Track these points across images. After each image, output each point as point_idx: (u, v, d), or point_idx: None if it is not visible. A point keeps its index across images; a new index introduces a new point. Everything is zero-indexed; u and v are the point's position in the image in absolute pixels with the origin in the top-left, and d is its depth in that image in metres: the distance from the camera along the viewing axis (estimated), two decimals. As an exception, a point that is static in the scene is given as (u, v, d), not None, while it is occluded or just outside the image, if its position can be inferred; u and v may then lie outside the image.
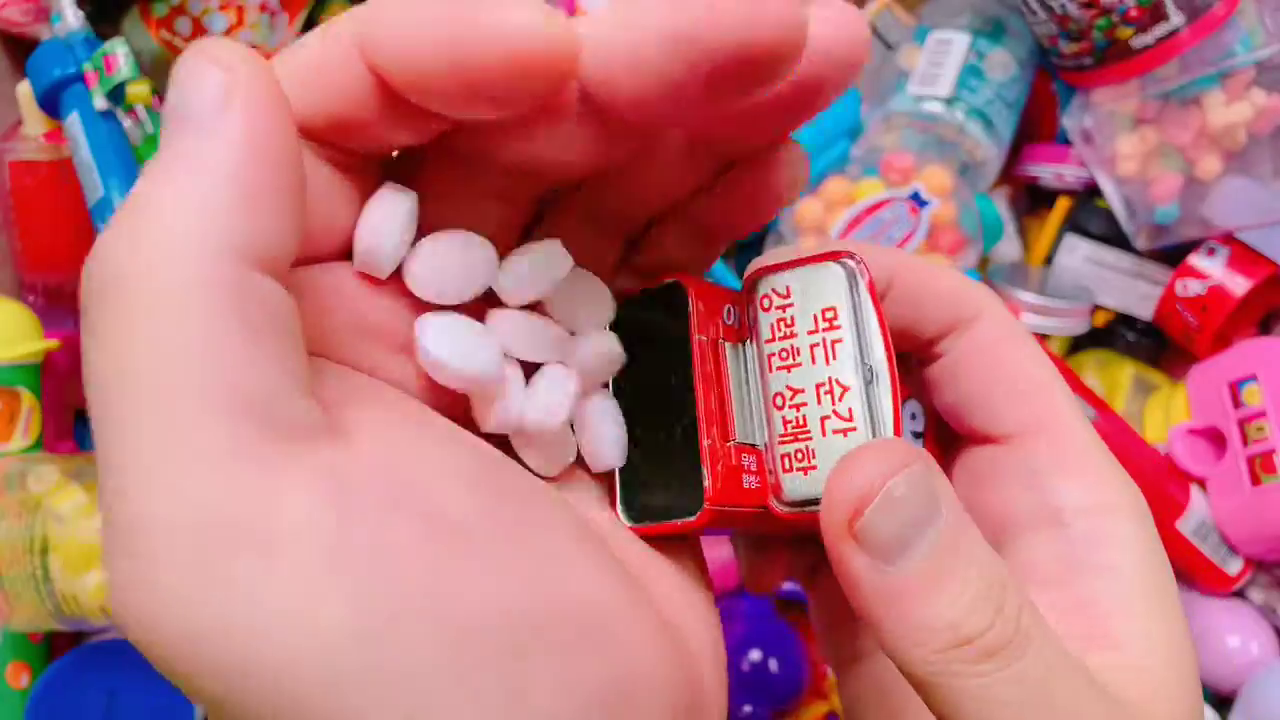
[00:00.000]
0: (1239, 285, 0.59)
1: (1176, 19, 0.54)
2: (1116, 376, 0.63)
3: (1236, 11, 0.55)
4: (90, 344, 0.14)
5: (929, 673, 0.16)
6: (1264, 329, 0.64)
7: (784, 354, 0.18)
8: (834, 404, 0.18)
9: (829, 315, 0.18)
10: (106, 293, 0.14)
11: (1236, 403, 0.57)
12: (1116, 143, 0.59)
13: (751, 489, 0.18)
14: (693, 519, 0.17)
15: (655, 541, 0.18)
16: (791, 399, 0.18)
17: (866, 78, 0.65)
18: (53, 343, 0.54)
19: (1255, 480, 0.55)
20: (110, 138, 0.53)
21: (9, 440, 0.52)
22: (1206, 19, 0.54)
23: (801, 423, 0.18)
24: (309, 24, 0.62)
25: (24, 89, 0.56)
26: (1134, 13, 0.54)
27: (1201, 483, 0.58)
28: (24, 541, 0.45)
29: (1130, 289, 0.64)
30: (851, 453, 0.16)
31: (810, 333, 0.18)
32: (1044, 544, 0.19)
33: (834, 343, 0.18)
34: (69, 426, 0.59)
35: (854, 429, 0.17)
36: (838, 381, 0.18)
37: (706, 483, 0.17)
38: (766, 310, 0.18)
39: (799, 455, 0.18)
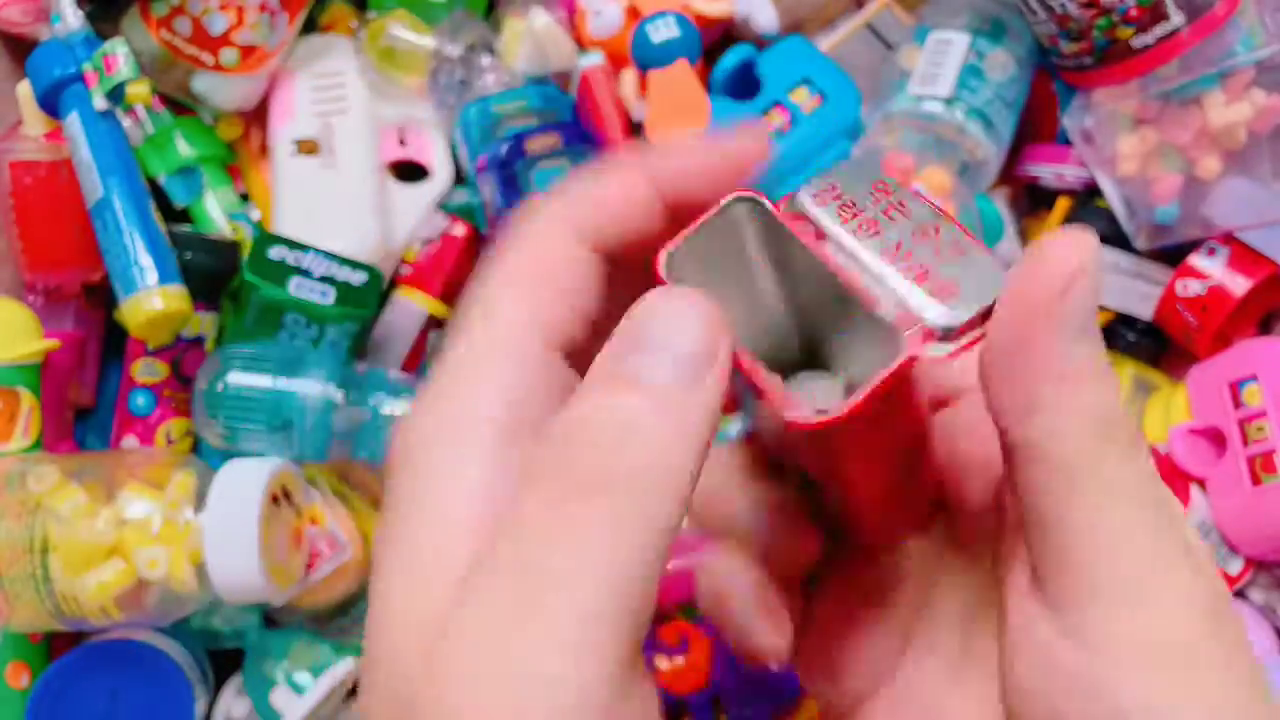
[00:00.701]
0: (1239, 285, 0.59)
1: (1177, 19, 0.54)
2: (1116, 376, 0.63)
3: (1237, 11, 0.55)
4: None
5: (1086, 450, 0.17)
6: (1264, 329, 0.64)
7: (863, 226, 0.19)
8: (937, 237, 0.19)
9: (881, 186, 0.19)
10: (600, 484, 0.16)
11: (1237, 403, 0.57)
12: (1117, 143, 0.59)
13: None
14: (894, 366, 0.18)
15: (840, 429, 0.18)
16: (897, 252, 0.19)
17: (866, 78, 0.65)
18: (53, 343, 0.54)
19: (1255, 480, 0.55)
20: (110, 138, 0.53)
21: (9, 440, 0.52)
22: (1207, 19, 0.54)
23: (922, 263, 0.19)
24: (309, 24, 0.62)
25: (24, 89, 0.56)
26: (1134, 12, 0.54)
27: (1201, 483, 0.58)
28: (24, 541, 0.45)
29: (1130, 289, 0.64)
30: (1055, 238, 0.18)
31: (876, 202, 0.19)
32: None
33: (901, 201, 0.19)
34: (69, 426, 0.59)
35: (972, 242, 0.19)
36: (930, 219, 0.19)
37: (893, 320, 0.18)
38: (824, 205, 0.20)
39: (934, 290, 0.19)
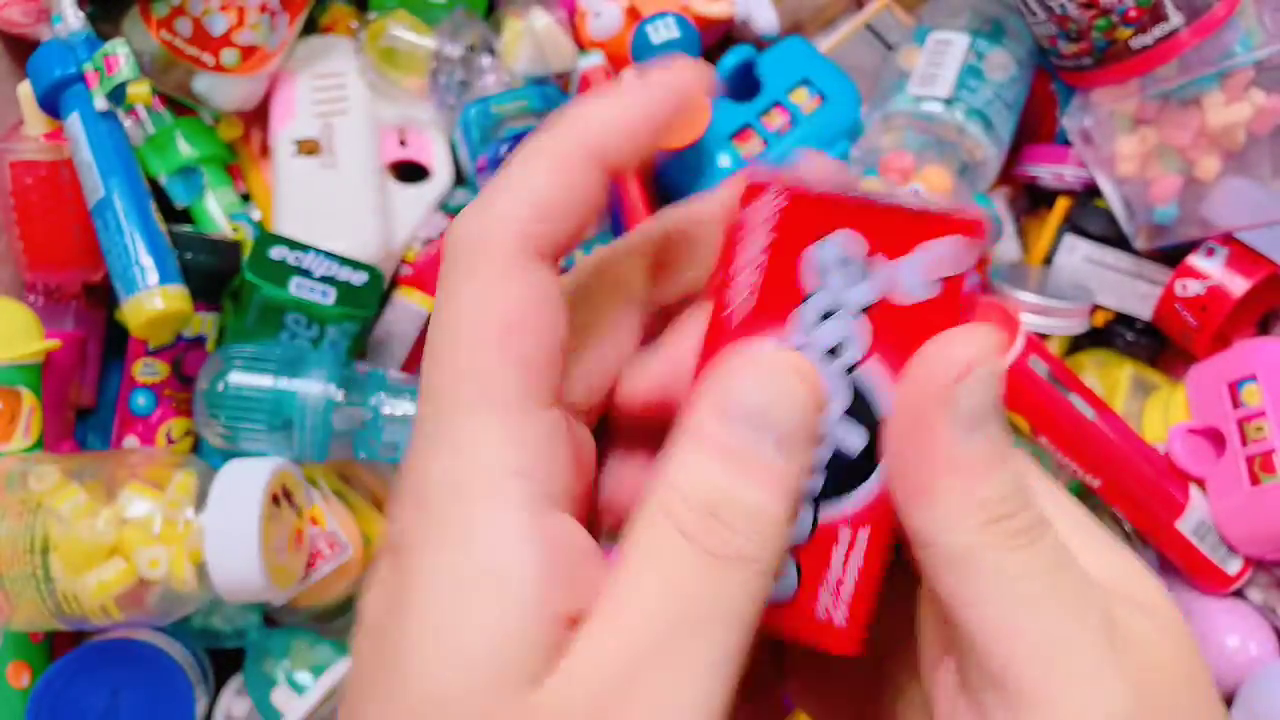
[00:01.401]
0: (1238, 285, 0.59)
1: (1176, 19, 0.54)
2: (1115, 376, 0.63)
3: (1236, 12, 0.55)
4: None
5: (974, 544, 0.17)
6: (1263, 329, 0.64)
7: None
8: None
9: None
10: None
11: (1236, 403, 0.57)
12: (1116, 143, 0.59)
13: None
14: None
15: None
16: None
17: (866, 78, 0.65)
18: (53, 343, 0.54)
19: (1254, 480, 0.56)
20: (111, 138, 0.53)
21: (10, 440, 0.52)
22: (1206, 19, 0.54)
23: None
24: (309, 25, 0.62)
25: (25, 89, 0.56)
26: (1133, 13, 0.55)
27: (1201, 482, 0.58)
28: (24, 541, 0.45)
29: (1129, 289, 0.64)
30: (955, 331, 0.18)
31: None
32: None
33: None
34: (70, 426, 0.59)
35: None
36: None
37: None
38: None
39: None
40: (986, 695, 0.18)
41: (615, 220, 0.55)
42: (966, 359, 0.18)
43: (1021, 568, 0.17)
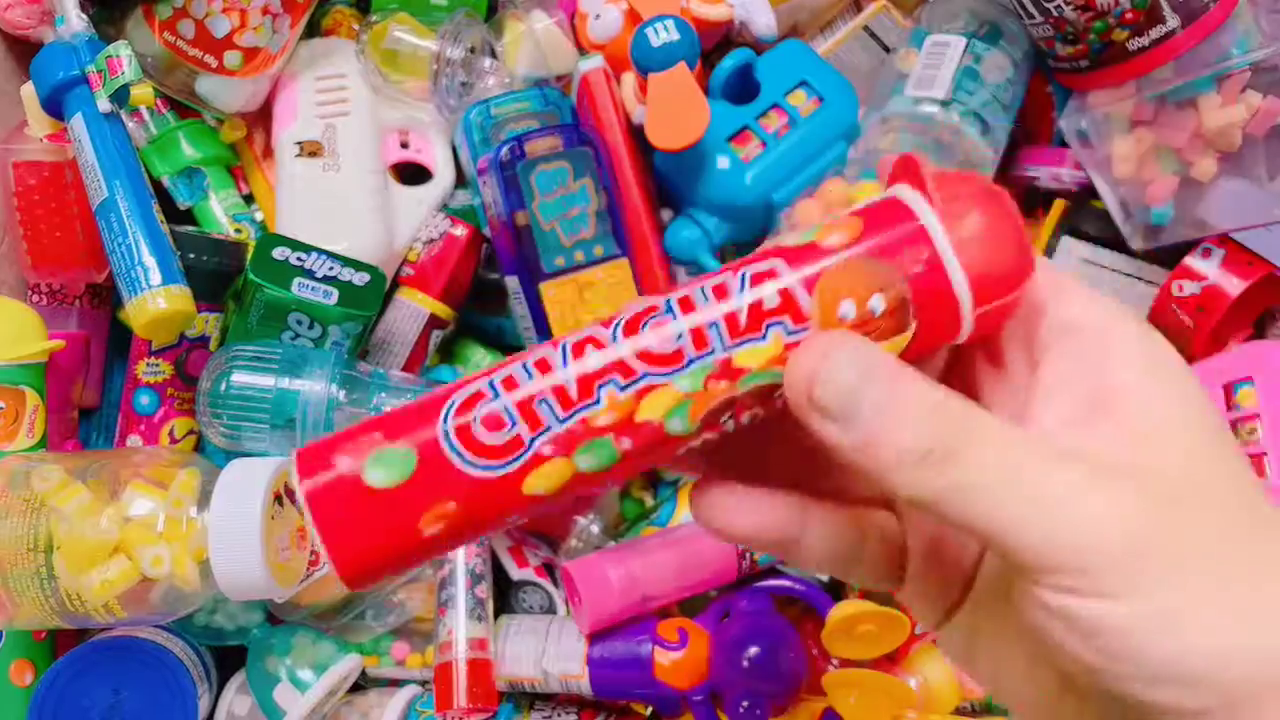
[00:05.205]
0: (1234, 286, 0.60)
1: (1173, 21, 0.55)
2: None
3: (1233, 14, 0.55)
4: None
5: (912, 491, 0.20)
6: (1258, 329, 0.64)
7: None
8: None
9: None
10: None
11: (1230, 404, 0.57)
12: (1112, 144, 0.60)
13: None
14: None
15: None
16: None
17: (864, 81, 0.66)
18: (57, 343, 0.54)
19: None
20: (114, 139, 0.53)
21: (14, 439, 0.52)
22: (1203, 21, 0.55)
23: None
24: (311, 27, 0.62)
25: (28, 90, 0.56)
26: (1130, 15, 0.55)
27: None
28: (28, 540, 0.45)
29: (1126, 290, 0.64)
30: (801, 343, 0.21)
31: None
32: (1064, 353, 0.23)
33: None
34: (73, 426, 0.60)
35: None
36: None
37: None
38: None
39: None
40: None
41: (615, 222, 0.55)
42: (809, 370, 0.21)
43: (971, 484, 0.20)
